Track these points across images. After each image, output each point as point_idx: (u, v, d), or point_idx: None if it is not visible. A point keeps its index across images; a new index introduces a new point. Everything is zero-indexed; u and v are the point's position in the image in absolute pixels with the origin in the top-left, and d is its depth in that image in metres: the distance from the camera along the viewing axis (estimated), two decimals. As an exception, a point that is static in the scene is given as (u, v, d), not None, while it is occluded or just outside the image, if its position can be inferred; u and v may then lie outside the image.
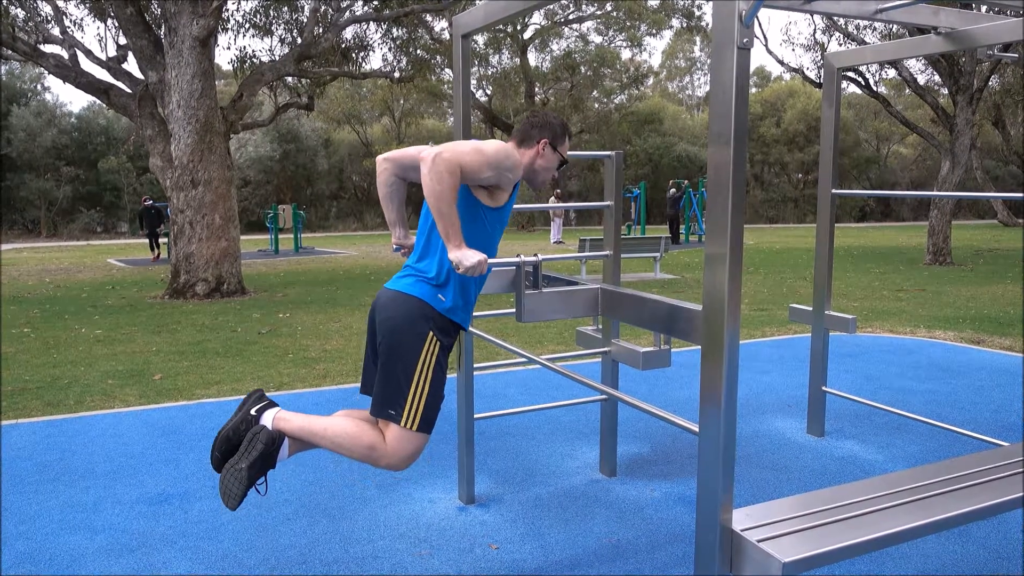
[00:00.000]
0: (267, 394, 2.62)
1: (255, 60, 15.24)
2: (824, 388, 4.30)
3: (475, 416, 3.46)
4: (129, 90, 11.44)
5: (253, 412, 2.55)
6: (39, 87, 34.31)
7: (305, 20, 14.57)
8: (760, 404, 5.01)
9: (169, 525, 3.24)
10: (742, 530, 1.82)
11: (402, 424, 2.46)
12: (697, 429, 1.89)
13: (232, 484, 2.44)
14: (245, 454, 2.46)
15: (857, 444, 4.21)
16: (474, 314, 3.39)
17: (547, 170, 2.69)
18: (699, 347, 1.93)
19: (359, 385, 2.79)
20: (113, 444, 4.31)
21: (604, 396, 3.64)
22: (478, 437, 4.27)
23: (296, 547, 3.04)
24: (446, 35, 17.51)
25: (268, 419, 2.53)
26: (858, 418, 4.67)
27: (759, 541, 1.77)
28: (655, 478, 3.73)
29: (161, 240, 18.75)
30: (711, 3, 1.76)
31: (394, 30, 16.04)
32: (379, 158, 2.85)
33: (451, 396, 5.12)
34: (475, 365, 3.48)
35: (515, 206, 3.42)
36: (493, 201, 2.55)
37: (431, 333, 2.49)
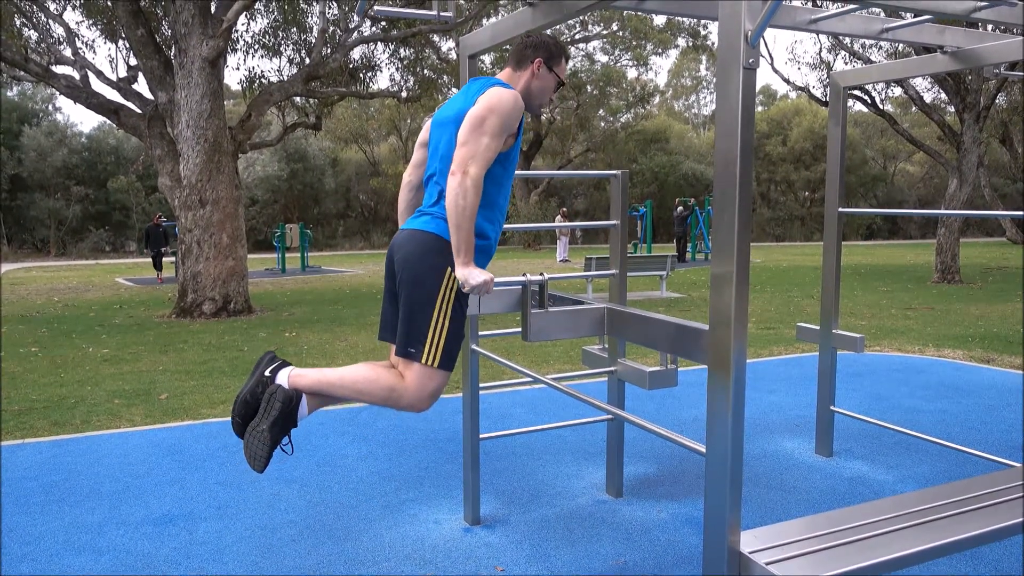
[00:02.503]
0: (291, 363, 2.63)
1: (264, 80, 15.39)
2: (832, 407, 4.27)
3: (481, 436, 3.44)
4: (139, 110, 11.54)
5: (267, 373, 2.54)
6: (50, 107, 34.72)
7: (313, 41, 14.72)
8: (768, 424, 4.97)
9: (174, 546, 3.22)
10: (750, 552, 1.80)
11: (423, 361, 2.45)
12: (704, 449, 1.87)
13: (256, 447, 2.44)
14: (265, 415, 2.45)
15: (866, 464, 4.17)
16: (479, 333, 3.38)
17: (544, 92, 2.67)
18: (706, 366, 1.92)
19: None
20: (119, 464, 4.30)
21: (610, 416, 3.62)
22: (484, 457, 4.25)
23: (301, 569, 3.02)
24: (453, 55, 17.64)
25: (283, 378, 2.52)
26: (867, 438, 4.63)
27: (767, 563, 1.75)
28: (662, 499, 3.70)
29: (166, 260, 18.76)
30: (717, 23, 1.77)
31: (401, 50, 16.19)
32: (404, 174, 2.89)
33: (456, 416, 5.11)
34: (481, 384, 3.47)
35: (520, 225, 3.43)
36: (503, 145, 2.54)
37: (449, 269, 2.47)
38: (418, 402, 2.48)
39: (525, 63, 2.63)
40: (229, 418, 5.23)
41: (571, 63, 33.45)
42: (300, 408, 2.50)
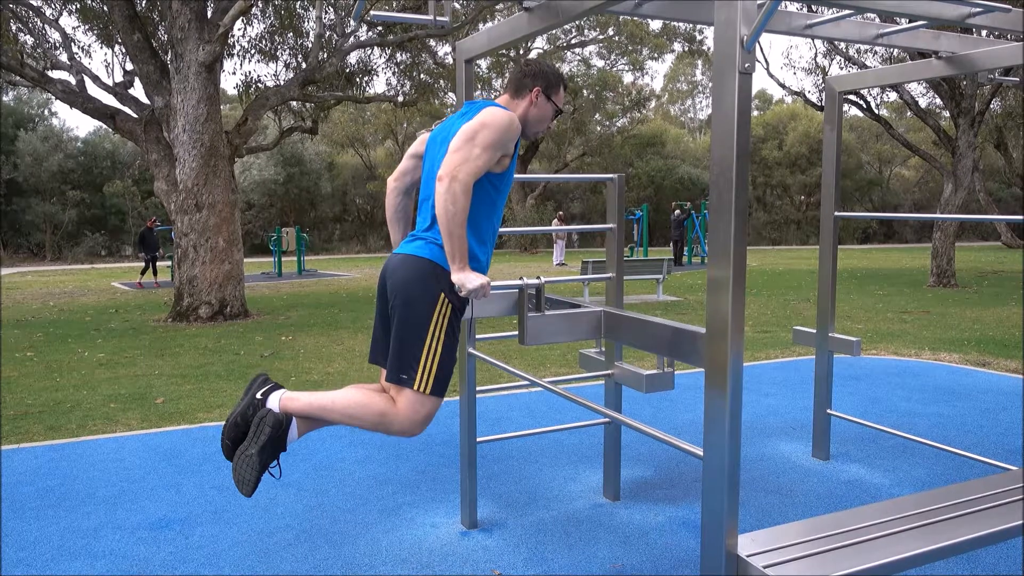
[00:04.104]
0: (283, 386, 2.62)
1: (260, 85, 15.39)
2: (829, 411, 4.28)
3: (477, 440, 3.44)
4: (135, 115, 11.53)
5: (259, 396, 2.53)
6: (46, 112, 34.67)
7: (310, 45, 14.72)
8: (764, 427, 4.98)
9: (170, 551, 3.22)
10: (748, 556, 1.80)
11: (415, 388, 2.44)
12: (701, 453, 1.88)
13: (245, 471, 2.43)
14: (254, 439, 2.44)
15: (863, 468, 4.18)
16: (476, 337, 3.38)
17: (541, 120, 2.67)
18: (703, 370, 1.92)
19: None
20: (114, 469, 4.29)
21: (607, 419, 3.62)
22: (480, 461, 4.25)
23: (297, 573, 3.01)
24: (449, 59, 17.67)
25: (274, 401, 2.51)
26: (863, 441, 4.64)
27: (765, 567, 1.75)
28: (659, 502, 3.70)
29: (161, 264, 18.59)
30: (712, 28, 1.78)
31: (398, 55, 16.21)
32: (389, 179, 2.87)
33: (453, 419, 5.10)
34: (477, 388, 3.47)
35: (516, 228, 3.43)
36: (499, 167, 2.54)
37: (442, 294, 2.48)
38: (410, 428, 2.47)
39: (524, 91, 2.64)
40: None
41: (567, 67, 33.53)
42: (290, 432, 2.48)
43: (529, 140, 2.78)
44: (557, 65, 33.36)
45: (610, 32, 30.26)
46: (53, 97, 12.49)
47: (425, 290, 2.47)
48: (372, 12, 2.99)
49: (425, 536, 3.34)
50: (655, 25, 28.85)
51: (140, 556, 3.17)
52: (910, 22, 3.10)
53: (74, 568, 3.07)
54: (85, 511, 3.66)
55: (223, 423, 2.57)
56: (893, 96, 20.22)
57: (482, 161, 2.39)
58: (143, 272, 17.89)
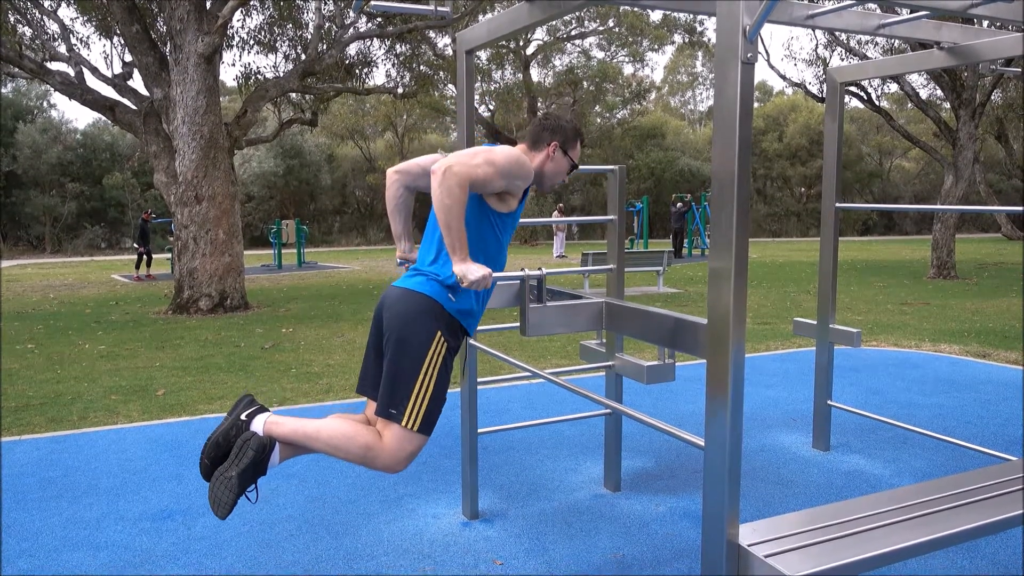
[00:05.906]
0: (269, 409, 2.60)
1: (259, 76, 15.35)
2: (829, 402, 4.28)
3: (479, 431, 3.45)
4: (134, 107, 11.50)
5: (243, 417, 2.49)
6: (45, 104, 34.53)
7: (309, 37, 14.68)
8: (765, 418, 4.99)
9: (172, 542, 3.23)
10: (749, 545, 1.81)
11: (403, 424, 2.42)
12: (702, 443, 1.88)
13: (222, 492, 2.39)
14: (235, 461, 2.40)
15: (863, 458, 4.19)
16: (478, 328, 3.39)
17: (557, 174, 2.66)
18: (704, 361, 1.92)
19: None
20: (116, 460, 4.30)
21: (608, 410, 3.63)
22: (482, 452, 4.26)
23: (299, 564, 3.02)
24: (449, 51, 17.62)
25: (259, 424, 2.47)
26: (863, 432, 4.65)
27: (766, 556, 1.76)
28: (660, 493, 3.71)
29: (159, 256, 18.55)
30: (714, 19, 1.77)
31: (398, 46, 16.15)
32: (390, 171, 2.85)
33: (455, 411, 5.11)
34: (479, 379, 3.48)
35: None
36: (504, 206, 2.54)
37: (439, 332, 2.47)
38: (394, 464, 2.44)
39: (541, 144, 2.63)
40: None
41: (567, 59, 33.44)
42: (272, 457, 2.45)
43: (544, 192, 2.77)
44: (557, 57, 33.07)
45: (610, 23, 30.15)
46: (52, 89, 12.46)
47: (422, 327, 2.44)
48: (372, 2, 2.97)
49: (427, 527, 3.35)
50: (655, 16, 28.76)
51: (142, 547, 3.18)
52: (912, 13, 3.09)
53: (77, 559, 3.08)
54: (87, 502, 3.67)
55: (226, 413, 2.55)
56: (894, 87, 20.16)
57: (480, 171, 2.35)
58: (137, 265, 17.89)
